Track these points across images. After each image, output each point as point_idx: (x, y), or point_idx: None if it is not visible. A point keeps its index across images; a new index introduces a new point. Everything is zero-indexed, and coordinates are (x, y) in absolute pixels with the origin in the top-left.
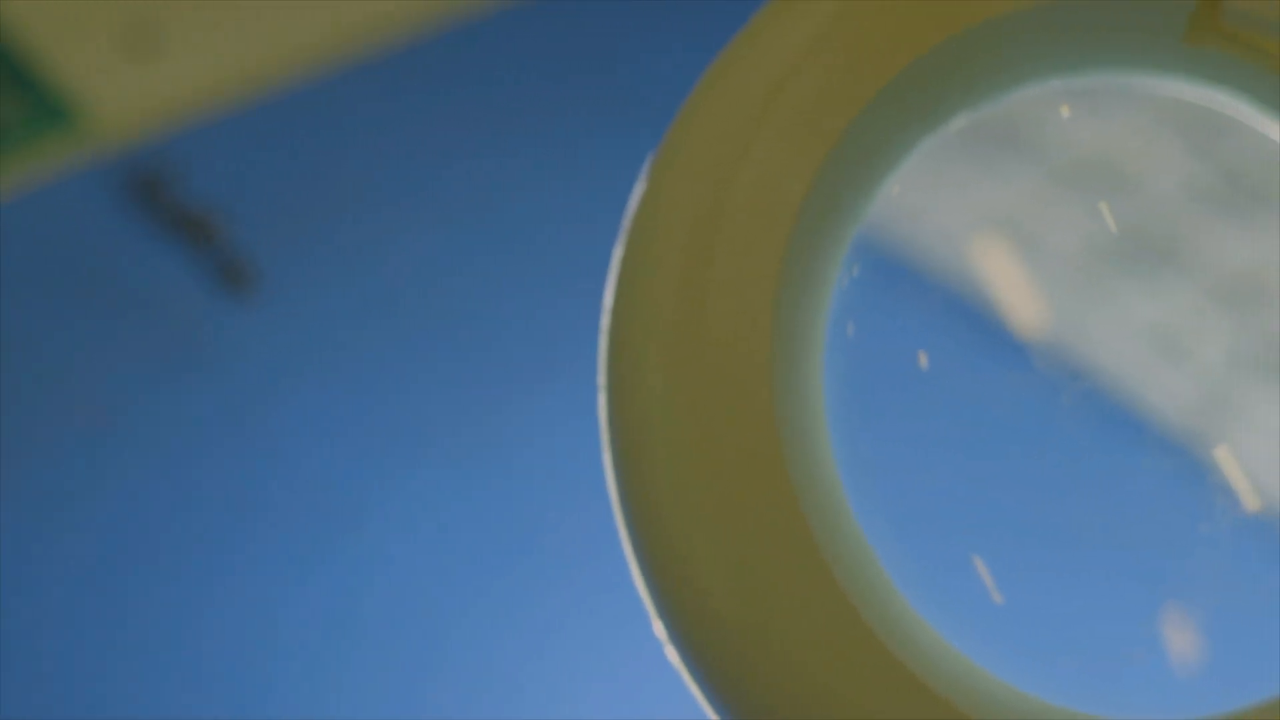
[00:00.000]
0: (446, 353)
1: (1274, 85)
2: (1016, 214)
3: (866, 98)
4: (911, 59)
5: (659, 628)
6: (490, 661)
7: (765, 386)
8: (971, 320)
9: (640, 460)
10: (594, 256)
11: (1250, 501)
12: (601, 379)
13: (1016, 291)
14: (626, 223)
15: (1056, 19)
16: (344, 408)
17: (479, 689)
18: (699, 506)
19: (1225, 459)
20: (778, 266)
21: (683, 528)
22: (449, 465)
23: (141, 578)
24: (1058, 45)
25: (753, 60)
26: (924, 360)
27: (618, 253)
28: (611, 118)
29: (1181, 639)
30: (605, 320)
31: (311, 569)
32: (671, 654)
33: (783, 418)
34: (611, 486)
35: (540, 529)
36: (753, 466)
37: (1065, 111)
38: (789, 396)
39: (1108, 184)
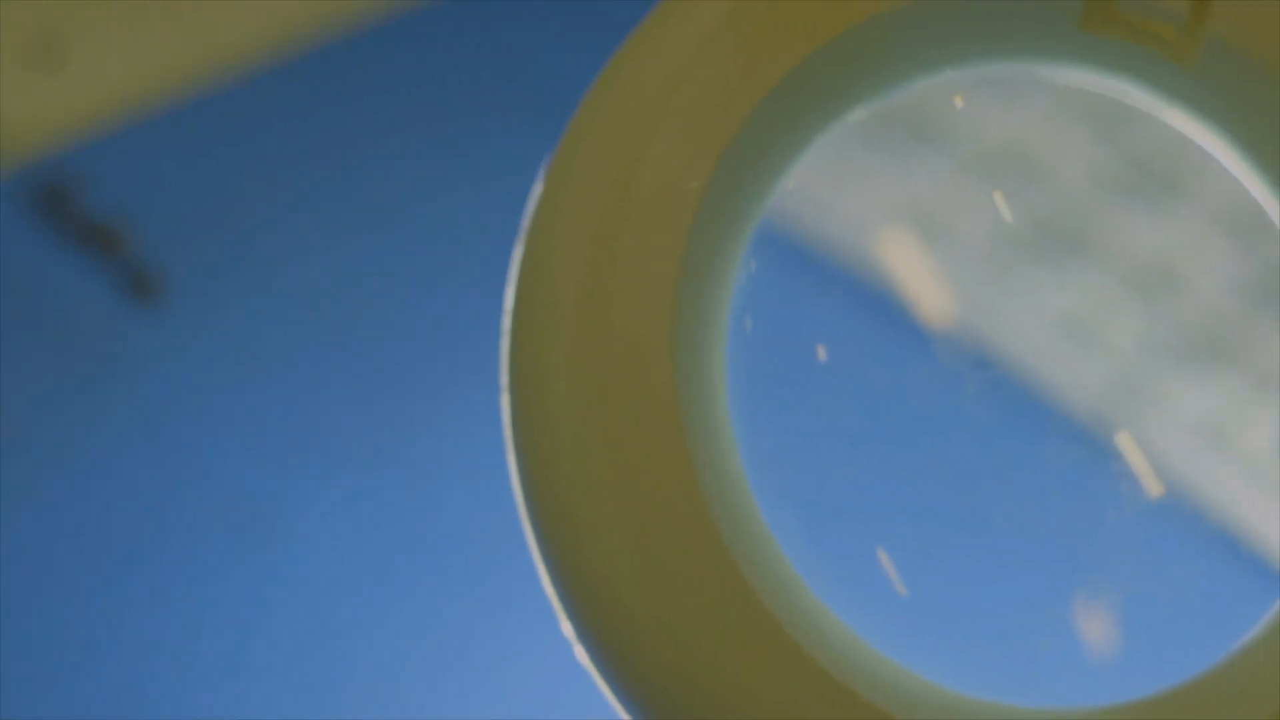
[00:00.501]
0: (356, 359)
1: (1168, 71)
2: (926, 205)
3: (760, 94)
4: (805, 54)
5: (568, 628)
6: (405, 666)
7: (669, 384)
8: (879, 312)
9: (545, 461)
10: (502, 259)
11: (1159, 487)
12: (504, 381)
13: (924, 282)
14: (525, 224)
15: (949, 10)
16: (255, 416)
17: (394, 694)
18: (605, 506)
19: (1135, 445)
20: (677, 264)
21: (589, 528)
22: (361, 471)
23: (53, 588)
24: (952, 36)
25: (646, 59)
26: (829, 353)
27: (517, 254)
28: (516, 119)
29: (1093, 625)
30: (506, 322)
31: (225, 578)
32: (581, 654)
33: (687, 415)
34: (517, 488)
35: (452, 533)
36: (658, 465)
37: (973, 102)
38: (693, 393)
39: (1017, 173)
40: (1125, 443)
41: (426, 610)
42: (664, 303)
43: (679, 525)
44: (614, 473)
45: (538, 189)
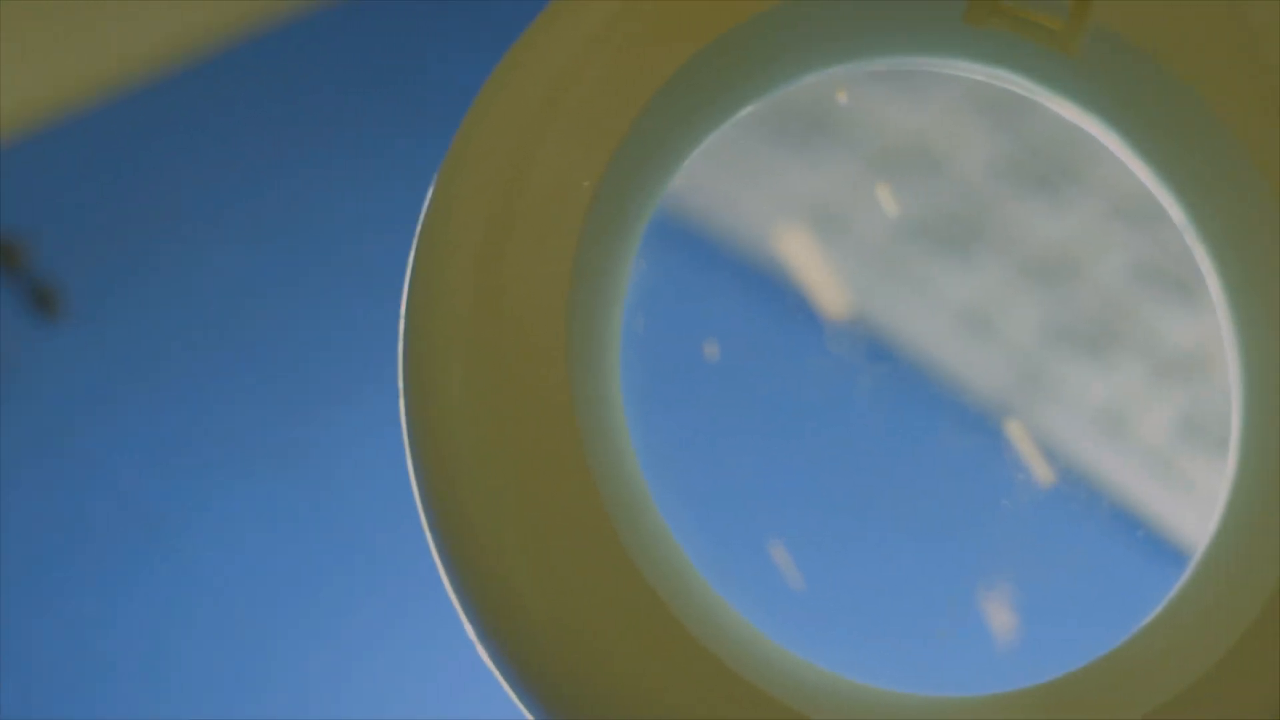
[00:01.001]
0: (257, 367)
1: (1053, 62)
2: (825, 198)
3: (649, 93)
4: (691, 53)
5: (470, 629)
6: (310, 668)
7: (563, 384)
8: (778, 306)
9: (442, 464)
10: (398, 264)
11: (1058, 474)
12: (401, 383)
13: (822, 275)
14: (420, 229)
15: (835, 8)
16: (158, 426)
17: (299, 697)
18: (501, 508)
19: (1034, 433)
20: (570, 264)
21: (487, 528)
22: (264, 478)
23: None
24: (838, 33)
25: (535, 62)
26: (726, 348)
27: (412, 259)
28: (408, 124)
29: (994, 612)
30: (403, 325)
31: (129, 586)
32: (483, 655)
33: (582, 414)
34: (416, 491)
35: (356, 536)
36: (554, 464)
37: (874, 96)
38: (587, 392)
39: (916, 166)
40: (1024, 431)
41: (332, 613)
42: (557, 302)
43: (575, 525)
44: (510, 474)
45: (430, 194)
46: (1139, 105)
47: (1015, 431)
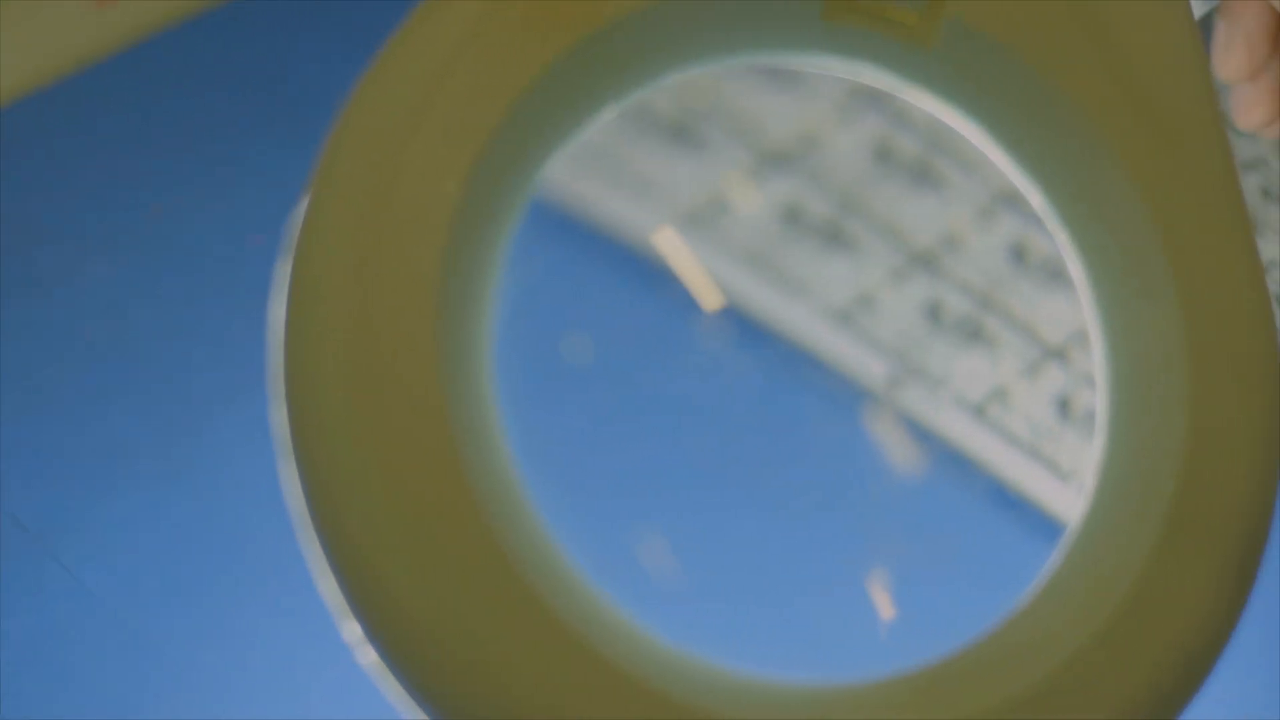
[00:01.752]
0: (134, 379)
1: (912, 56)
2: (708, 192)
3: (511, 98)
4: (556, 56)
5: (350, 632)
6: (194, 675)
7: (435, 386)
8: (656, 298)
9: (319, 467)
10: (271, 272)
11: (939, 456)
12: (277, 391)
13: (704, 268)
14: (291, 238)
15: (697, 9)
16: (37, 438)
17: (184, 703)
18: (378, 511)
19: (914, 417)
20: (439, 265)
21: (363, 534)
22: (144, 488)
23: None
24: (700, 33)
25: (400, 69)
26: (603, 341)
27: (284, 267)
28: (279, 132)
29: (871, 595)
30: (277, 333)
31: (13, 597)
32: (364, 657)
33: (455, 415)
34: (295, 497)
35: (237, 544)
36: (428, 466)
37: (755, 91)
38: (461, 392)
39: (797, 159)
40: (903, 415)
41: (214, 618)
42: (427, 304)
43: (450, 524)
44: (384, 477)
45: (301, 203)
46: (996, 95)
47: (893, 416)
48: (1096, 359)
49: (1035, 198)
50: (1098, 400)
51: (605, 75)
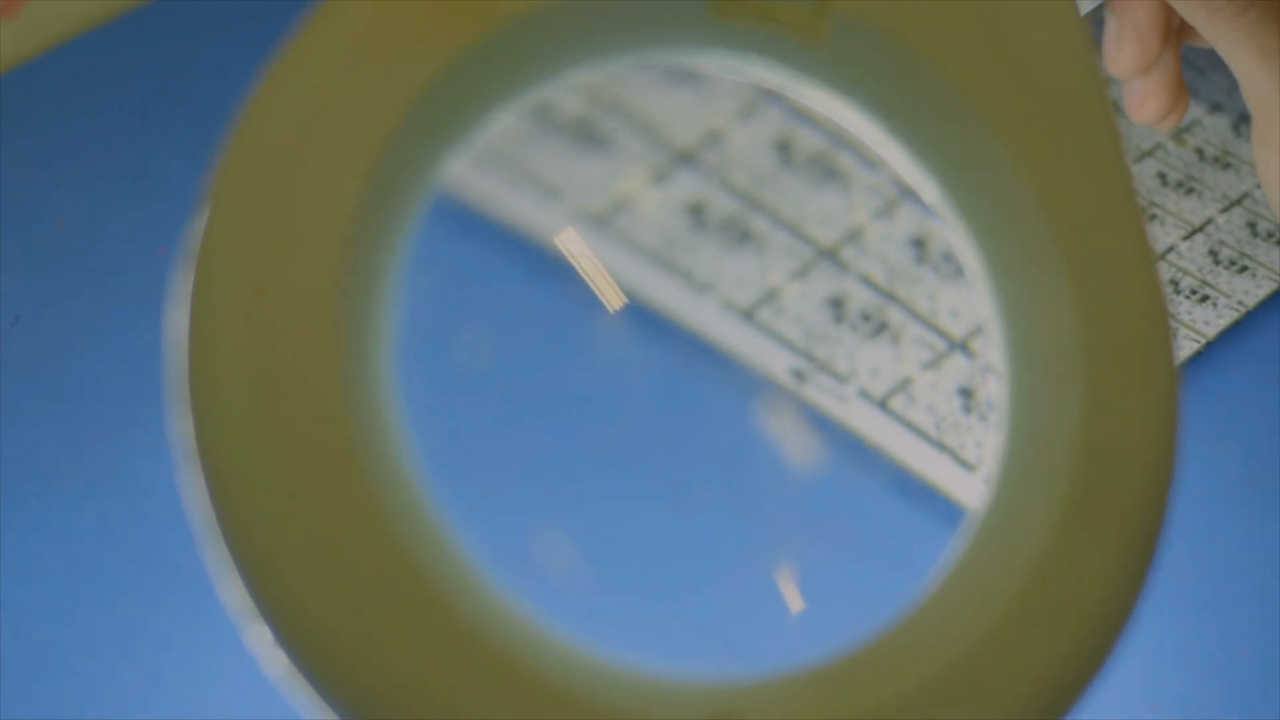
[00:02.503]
0: (43, 392)
1: (804, 52)
2: (619, 192)
3: (405, 104)
4: (445, 61)
5: (254, 638)
6: (111, 685)
7: (336, 389)
8: (562, 296)
9: (222, 474)
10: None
11: (846, 448)
12: (178, 399)
13: (610, 265)
14: (190, 250)
15: (589, 11)
16: None
17: (93, 711)
18: (282, 516)
19: (820, 409)
20: (338, 273)
21: (269, 537)
22: (53, 500)
23: None
24: (594, 34)
25: (292, 79)
26: (513, 341)
27: (183, 279)
28: (189, 142)
29: (780, 590)
30: (175, 343)
31: None
32: (268, 664)
33: (357, 417)
34: (197, 501)
35: (146, 555)
36: (330, 470)
37: (663, 90)
38: (362, 394)
39: (707, 158)
40: (810, 407)
41: (124, 628)
42: (327, 309)
43: (353, 528)
44: (288, 483)
45: (198, 213)
46: (889, 89)
47: (799, 410)
48: (996, 349)
49: (930, 191)
50: (998, 389)
51: (501, 76)
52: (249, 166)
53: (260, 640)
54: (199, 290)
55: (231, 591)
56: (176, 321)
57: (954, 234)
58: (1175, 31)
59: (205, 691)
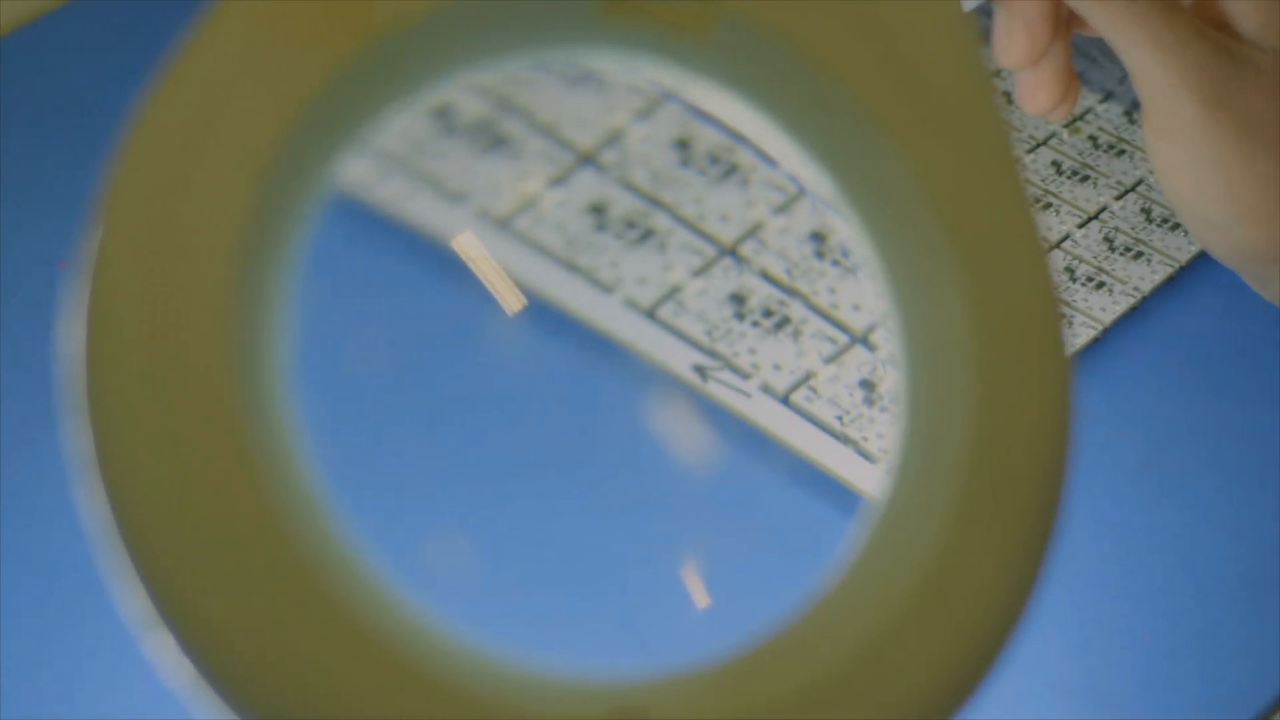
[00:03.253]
0: None
1: (691, 49)
2: (521, 193)
3: (294, 108)
4: (336, 63)
5: (155, 646)
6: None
7: (232, 397)
8: (462, 297)
9: (120, 485)
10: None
11: (748, 443)
12: (73, 408)
13: (511, 265)
14: (84, 260)
15: (478, 12)
16: None
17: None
18: (181, 525)
19: (724, 405)
20: (231, 280)
21: (168, 546)
22: None
23: None
24: (483, 33)
25: (180, 87)
26: (410, 345)
27: (77, 291)
28: (89, 154)
29: (685, 586)
30: (71, 356)
31: None
32: (170, 675)
33: (254, 425)
34: (95, 510)
35: (52, 569)
36: (228, 479)
37: (561, 91)
38: (259, 401)
39: (607, 157)
40: (714, 404)
41: (30, 641)
42: (221, 317)
43: (251, 534)
44: (187, 492)
45: (91, 226)
46: (779, 86)
47: (703, 407)
48: (892, 342)
49: (825, 186)
50: (897, 382)
51: (391, 77)
52: (140, 177)
53: (161, 649)
54: (94, 301)
55: (131, 601)
56: (72, 333)
57: (848, 228)
58: (1065, 21)
59: (107, 703)
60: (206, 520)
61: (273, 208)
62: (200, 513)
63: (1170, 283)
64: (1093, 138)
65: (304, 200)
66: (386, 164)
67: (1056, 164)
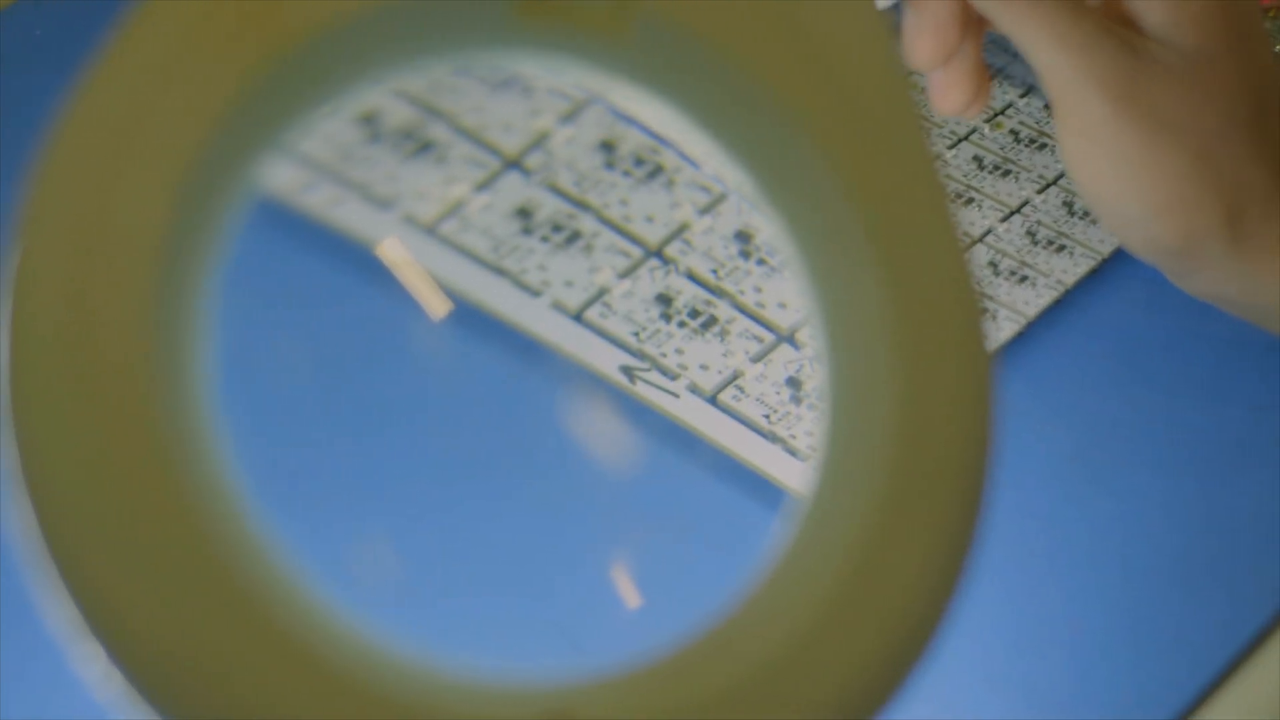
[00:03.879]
0: None
1: (607, 50)
2: (447, 197)
3: (213, 115)
4: (254, 68)
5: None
6: None
7: (155, 407)
8: (386, 302)
9: (45, 496)
10: None
11: (675, 442)
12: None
13: (442, 273)
14: (7, 271)
15: (392, 13)
16: None
17: None
18: (106, 535)
19: (650, 404)
20: (149, 294)
21: (94, 557)
22: None
23: None
24: (399, 37)
25: (99, 96)
26: (338, 351)
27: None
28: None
29: (615, 586)
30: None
31: None
32: (99, 679)
33: (177, 434)
34: (21, 524)
35: None
36: (153, 490)
37: (487, 93)
38: (182, 411)
39: (536, 160)
40: (642, 404)
41: None
42: (143, 329)
43: (173, 541)
44: (110, 501)
45: (13, 235)
46: (696, 85)
47: (631, 408)
48: (814, 338)
49: (745, 185)
50: (821, 379)
51: (309, 83)
52: (59, 187)
53: (89, 658)
54: (16, 312)
55: (59, 611)
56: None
57: (770, 226)
58: (975, 21)
59: (37, 710)
60: (130, 527)
61: (193, 215)
62: (123, 519)
63: (1093, 275)
64: (1014, 132)
65: (225, 207)
66: (312, 170)
67: (978, 159)
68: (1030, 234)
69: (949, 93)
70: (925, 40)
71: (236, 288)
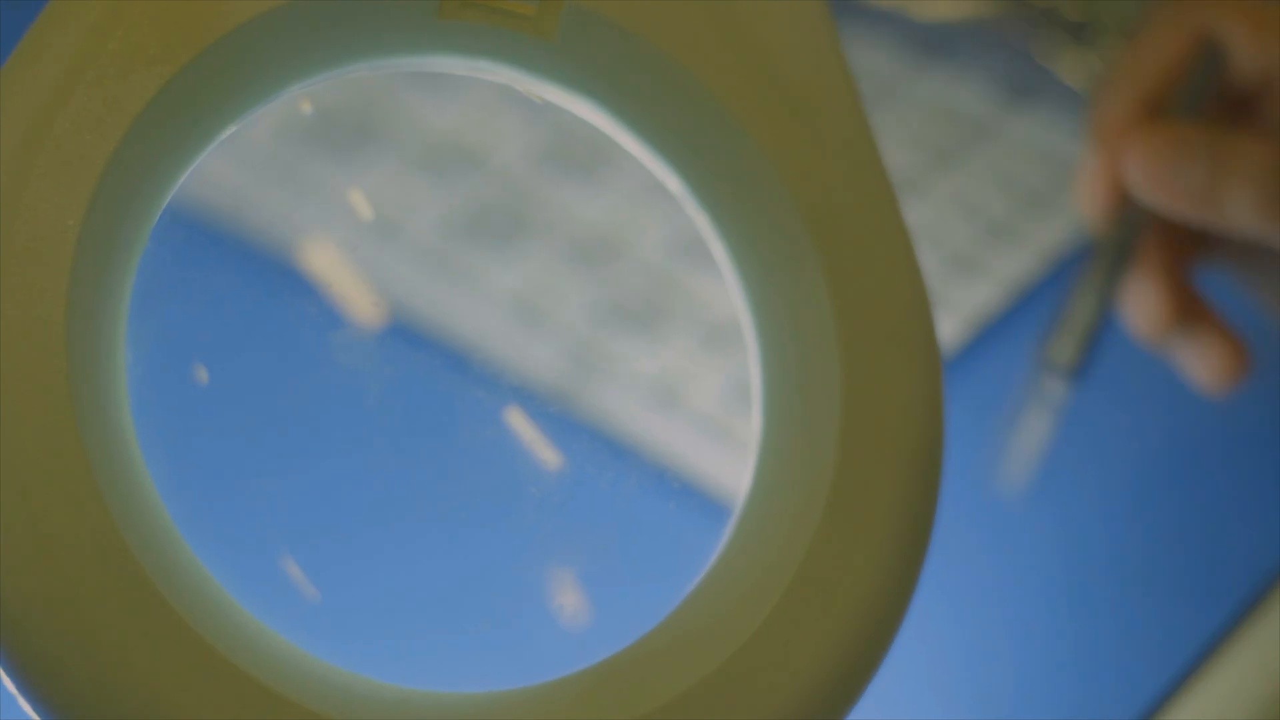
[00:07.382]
0: None
1: (533, 48)
2: (373, 201)
3: (126, 123)
4: (166, 77)
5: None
6: None
7: (71, 424)
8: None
9: None
10: None
11: (615, 449)
12: None
13: (368, 276)
14: None
15: (312, 12)
16: None
17: None
18: (22, 547)
19: (590, 411)
20: (64, 302)
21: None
22: None
23: None
24: (320, 39)
25: (7, 105)
26: (264, 360)
27: None
28: None
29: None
30: None
31: None
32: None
33: (94, 450)
34: None
35: None
36: (72, 507)
37: (412, 96)
38: (100, 426)
39: (457, 163)
40: (584, 409)
41: None
42: (57, 342)
43: (95, 558)
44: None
45: None
46: (625, 84)
47: (572, 413)
48: (748, 340)
49: (672, 183)
50: (753, 382)
51: (226, 88)
52: None
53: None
54: None
55: None
56: None
57: (700, 227)
58: (1198, 307)
59: None
60: (49, 541)
61: (109, 220)
62: (42, 533)
63: (1046, 272)
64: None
65: (142, 212)
66: (238, 173)
67: (928, 151)
68: (980, 231)
69: (1199, 368)
70: (1139, 313)
71: (157, 294)
